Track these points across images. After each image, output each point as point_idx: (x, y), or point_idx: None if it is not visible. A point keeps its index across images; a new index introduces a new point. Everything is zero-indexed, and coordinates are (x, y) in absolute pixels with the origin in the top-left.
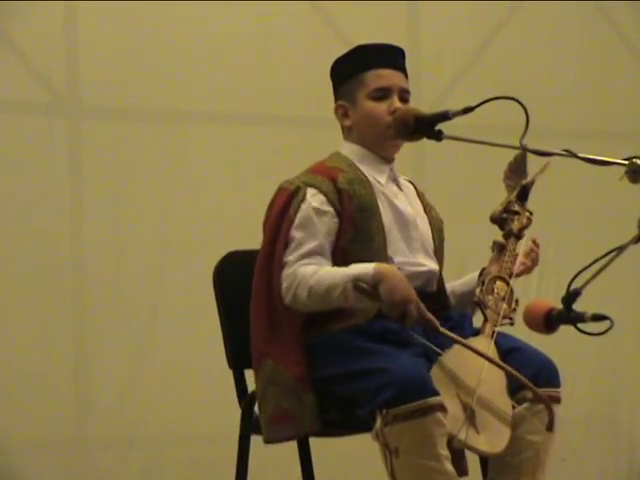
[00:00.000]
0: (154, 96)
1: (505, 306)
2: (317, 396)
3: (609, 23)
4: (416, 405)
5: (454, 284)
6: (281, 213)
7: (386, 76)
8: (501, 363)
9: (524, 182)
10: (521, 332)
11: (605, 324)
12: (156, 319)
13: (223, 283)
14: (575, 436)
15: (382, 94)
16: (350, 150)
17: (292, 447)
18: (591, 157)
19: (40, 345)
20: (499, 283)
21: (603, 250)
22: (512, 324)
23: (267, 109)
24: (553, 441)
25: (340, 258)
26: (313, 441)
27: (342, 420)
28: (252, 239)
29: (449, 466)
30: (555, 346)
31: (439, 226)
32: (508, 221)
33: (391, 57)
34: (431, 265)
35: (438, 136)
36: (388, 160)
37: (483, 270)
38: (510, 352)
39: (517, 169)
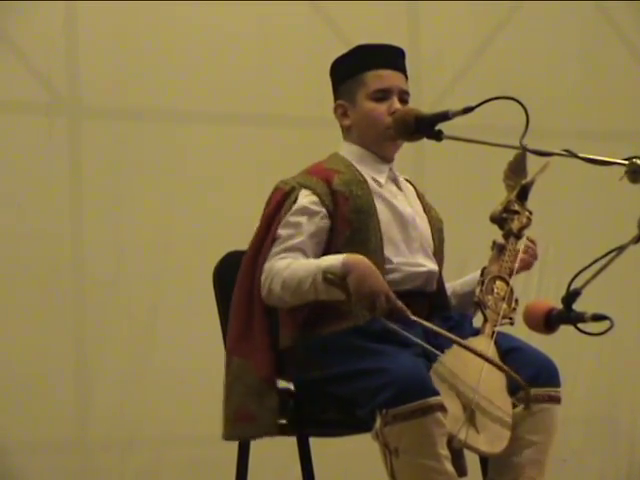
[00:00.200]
0: (154, 96)
1: (505, 306)
2: (280, 399)
3: (609, 23)
4: (416, 405)
5: (455, 284)
6: (273, 212)
7: (386, 77)
8: (496, 361)
9: (524, 182)
10: (521, 332)
11: (605, 324)
12: (156, 319)
13: (223, 283)
14: (575, 436)
15: (382, 95)
16: (349, 150)
17: (292, 447)
18: (591, 157)
19: (40, 345)
20: (499, 283)
21: (603, 250)
22: (512, 324)
23: (267, 109)
24: (553, 441)
25: None
26: (313, 441)
27: (342, 420)
28: None
29: (449, 466)
30: (555, 346)
31: (439, 226)
32: (508, 221)
33: (391, 57)
34: (430, 265)
35: (438, 136)
36: (387, 160)
37: (484, 269)
38: (510, 352)
39: (517, 169)
